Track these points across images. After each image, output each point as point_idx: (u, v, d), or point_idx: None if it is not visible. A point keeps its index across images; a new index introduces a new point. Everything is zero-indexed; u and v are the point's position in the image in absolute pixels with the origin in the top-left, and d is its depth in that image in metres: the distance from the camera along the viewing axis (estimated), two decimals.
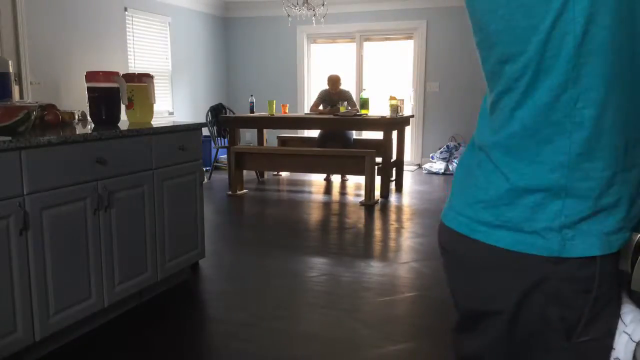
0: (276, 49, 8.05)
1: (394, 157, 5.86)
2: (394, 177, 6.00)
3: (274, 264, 3.47)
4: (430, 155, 7.45)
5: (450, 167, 6.96)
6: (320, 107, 6.26)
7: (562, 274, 0.72)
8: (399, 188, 5.98)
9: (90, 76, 2.79)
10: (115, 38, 5.85)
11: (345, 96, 6.20)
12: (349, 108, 5.98)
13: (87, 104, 2.81)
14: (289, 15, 6.28)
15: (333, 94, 6.22)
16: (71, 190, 2.21)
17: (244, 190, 5.77)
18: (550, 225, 0.72)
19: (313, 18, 6.29)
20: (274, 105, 6.11)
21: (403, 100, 5.85)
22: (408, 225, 4.46)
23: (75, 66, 5.14)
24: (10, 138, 1.96)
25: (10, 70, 2.67)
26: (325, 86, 6.39)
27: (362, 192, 5.38)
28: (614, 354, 0.73)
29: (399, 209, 5.09)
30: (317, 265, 3.51)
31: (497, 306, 0.79)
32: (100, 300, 2.40)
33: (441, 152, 7.28)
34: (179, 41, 7.00)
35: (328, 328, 2.55)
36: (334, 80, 6.22)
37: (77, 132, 2.35)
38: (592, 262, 0.72)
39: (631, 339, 0.70)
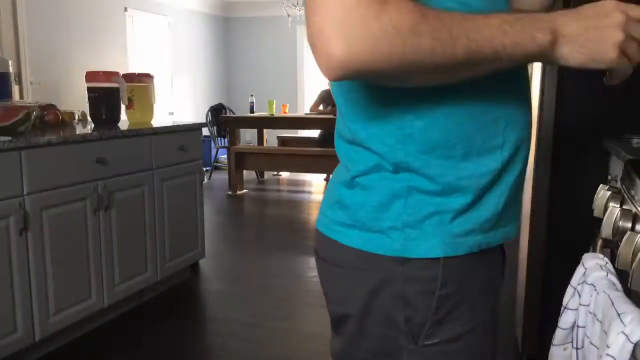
0: (276, 49, 8.05)
1: None
2: None
3: (274, 264, 3.47)
4: None
5: None
6: (321, 107, 6.26)
7: (405, 274, 0.71)
8: None
9: (90, 76, 2.79)
10: (115, 38, 5.85)
11: None
12: None
13: (87, 104, 2.81)
14: (289, 15, 6.28)
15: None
16: (71, 190, 2.21)
17: (244, 190, 5.77)
18: (394, 225, 0.70)
19: None
20: (274, 105, 6.11)
21: None
22: None
23: (75, 66, 5.13)
24: (10, 138, 1.97)
25: (10, 70, 2.67)
26: (325, 86, 6.39)
27: None
28: (608, 352, 0.72)
29: None
30: None
31: (347, 309, 0.78)
32: (100, 300, 2.40)
33: None
34: (179, 41, 7.00)
35: (328, 328, 2.54)
36: None
37: (77, 132, 2.35)
38: (435, 263, 0.70)
39: (629, 339, 0.70)
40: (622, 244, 0.88)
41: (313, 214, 5.00)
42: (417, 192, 0.69)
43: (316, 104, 6.31)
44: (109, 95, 2.78)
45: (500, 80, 0.69)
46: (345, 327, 0.81)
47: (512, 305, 2.33)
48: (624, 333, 0.70)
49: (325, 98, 6.27)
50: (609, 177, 1.62)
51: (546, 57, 0.62)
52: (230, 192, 5.64)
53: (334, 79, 0.57)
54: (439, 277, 0.70)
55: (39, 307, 2.08)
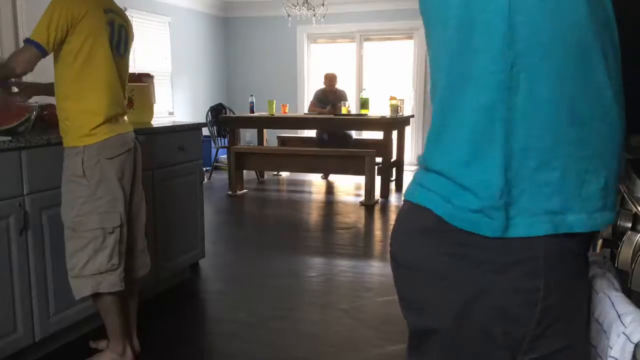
0: (276, 49, 8.05)
1: (394, 157, 5.86)
2: (394, 177, 6.00)
3: (274, 264, 3.47)
4: None
5: None
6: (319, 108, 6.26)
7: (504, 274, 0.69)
8: (399, 188, 5.99)
9: None
10: None
11: (340, 95, 6.22)
12: (350, 109, 6.01)
13: None
14: (289, 15, 6.27)
15: (329, 93, 6.24)
16: None
17: (244, 190, 5.78)
18: (494, 204, 0.69)
19: (313, 18, 6.29)
20: (274, 105, 6.11)
21: (403, 100, 5.85)
22: None
23: None
24: (10, 138, 1.96)
25: None
26: (320, 86, 6.41)
27: (362, 192, 5.38)
28: (610, 353, 0.72)
29: (399, 209, 5.08)
30: (317, 265, 3.51)
31: (436, 322, 0.75)
32: None
33: None
34: (179, 41, 7.00)
35: (328, 328, 2.55)
36: (330, 78, 6.26)
37: None
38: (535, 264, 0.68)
39: (629, 340, 0.70)
40: (622, 244, 0.88)
41: (313, 214, 5.00)
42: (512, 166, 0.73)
43: (313, 104, 6.32)
44: None
45: None
46: (432, 343, 0.76)
47: None
48: (625, 334, 0.70)
49: (321, 98, 6.28)
50: None
51: None
52: (230, 192, 5.64)
53: None
54: (542, 275, 0.68)
55: (39, 307, 2.08)
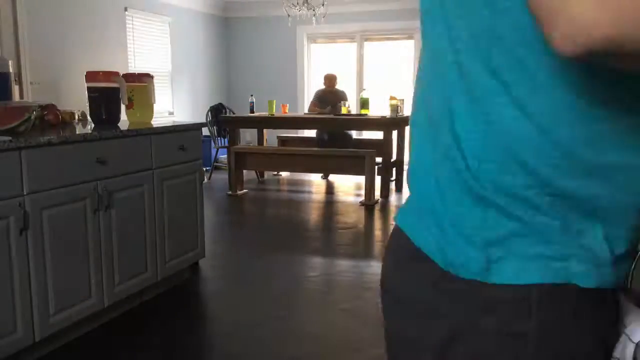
0: (276, 49, 8.04)
1: (394, 157, 5.86)
2: (394, 177, 6.00)
3: (274, 264, 3.47)
4: None
5: None
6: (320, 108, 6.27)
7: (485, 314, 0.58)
8: (399, 188, 5.98)
9: (90, 76, 2.79)
10: (115, 38, 5.85)
11: (340, 96, 6.24)
12: (350, 109, 6.02)
13: (87, 104, 2.81)
14: (289, 15, 6.27)
15: (328, 93, 6.25)
16: (71, 190, 2.21)
17: (244, 190, 5.78)
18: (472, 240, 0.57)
19: (313, 18, 6.29)
20: (274, 105, 6.11)
21: (403, 100, 5.84)
22: None
23: (75, 66, 5.13)
24: (10, 138, 1.96)
25: (10, 70, 2.67)
26: (320, 86, 6.43)
27: (362, 192, 5.38)
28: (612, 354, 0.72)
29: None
30: (317, 265, 3.51)
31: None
32: (100, 300, 2.40)
33: None
34: (179, 41, 7.00)
35: (328, 328, 2.55)
36: (330, 78, 6.30)
37: (77, 132, 2.35)
38: (525, 305, 0.56)
39: (630, 339, 0.70)
40: None
41: (313, 214, 5.00)
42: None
43: (314, 104, 6.33)
44: (109, 95, 2.78)
45: None
46: None
47: None
48: (625, 333, 0.70)
49: (322, 98, 6.28)
50: None
51: None
52: (230, 192, 5.64)
53: (573, 55, 0.41)
54: (531, 326, 0.57)
55: (39, 307, 2.08)
